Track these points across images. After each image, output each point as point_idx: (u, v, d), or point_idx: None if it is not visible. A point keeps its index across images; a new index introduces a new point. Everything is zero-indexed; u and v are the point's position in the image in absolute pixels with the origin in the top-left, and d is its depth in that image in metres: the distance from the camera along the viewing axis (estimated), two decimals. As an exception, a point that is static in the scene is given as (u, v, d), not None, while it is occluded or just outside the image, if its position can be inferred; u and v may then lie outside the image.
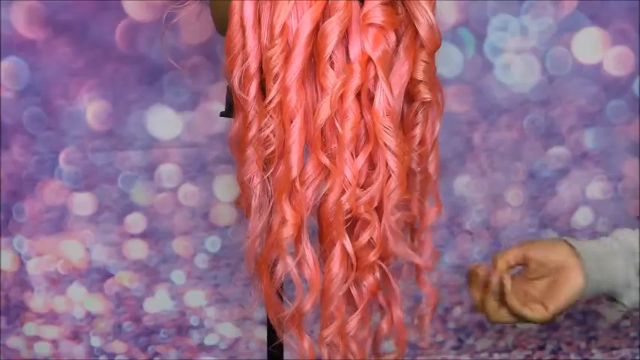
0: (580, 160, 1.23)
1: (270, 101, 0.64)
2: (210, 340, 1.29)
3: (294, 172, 0.65)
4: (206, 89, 1.14)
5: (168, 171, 1.18)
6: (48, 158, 1.15)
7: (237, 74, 0.66)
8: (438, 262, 1.25)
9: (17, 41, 1.08)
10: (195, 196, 1.20)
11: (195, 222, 1.21)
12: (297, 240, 0.68)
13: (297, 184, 0.65)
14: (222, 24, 0.70)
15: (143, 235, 1.21)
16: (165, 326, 1.27)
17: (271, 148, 0.66)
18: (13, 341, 1.26)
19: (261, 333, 1.28)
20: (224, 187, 1.20)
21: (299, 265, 0.68)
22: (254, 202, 0.69)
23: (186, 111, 1.15)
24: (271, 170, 0.67)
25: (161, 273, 1.24)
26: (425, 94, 0.68)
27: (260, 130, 0.66)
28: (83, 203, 1.18)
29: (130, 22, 1.08)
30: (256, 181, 0.68)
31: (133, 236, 1.21)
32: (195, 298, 1.26)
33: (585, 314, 1.32)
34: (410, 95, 0.69)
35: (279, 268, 0.69)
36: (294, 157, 0.64)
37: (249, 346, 1.30)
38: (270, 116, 0.64)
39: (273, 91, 0.63)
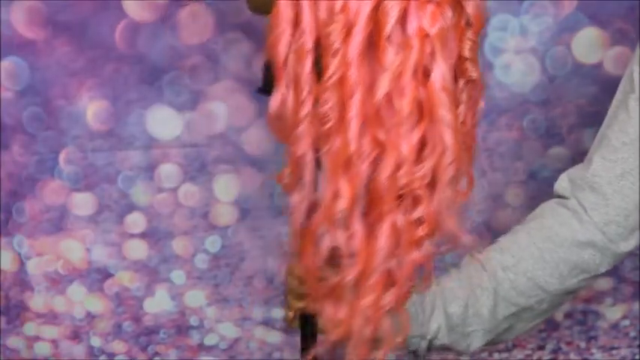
0: (580, 160, 1.22)
1: (330, 77, 0.64)
2: (210, 340, 1.29)
3: (353, 147, 0.65)
4: (206, 89, 1.14)
5: (168, 171, 1.18)
6: (48, 158, 1.15)
7: (284, 50, 0.66)
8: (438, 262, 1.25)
9: (17, 41, 1.08)
10: (195, 196, 1.20)
11: (195, 222, 1.21)
12: (350, 214, 0.68)
13: (354, 159, 0.66)
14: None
15: (143, 235, 1.21)
16: (165, 326, 1.27)
17: (330, 124, 0.66)
18: (13, 341, 1.26)
19: (261, 333, 1.28)
20: (224, 187, 1.20)
21: (348, 238, 0.69)
22: (306, 177, 0.69)
23: (186, 111, 1.15)
24: (327, 145, 0.67)
25: (161, 273, 1.24)
26: (472, 72, 0.69)
27: (315, 105, 0.66)
28: (83, 203, 1.18)
29: (129, 22, 1.08)
30: (309, 156, 0.68)
31: (133, 236, 1.21)
32: (195, 298, 1.26)
33: (585, 314, 1.32)
34: (455, 73, 0.70)
35: (326, 241, 0.69)
36: (353, 132, 0.65)
37: (249, 346, 1.30)
38: (330, 92, 0.65)
39: (333, 66, 0.64)
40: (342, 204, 0.67)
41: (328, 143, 0.67)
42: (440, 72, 0.65)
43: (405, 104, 0.65)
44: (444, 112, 0.66)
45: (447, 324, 0.88)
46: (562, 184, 0.91)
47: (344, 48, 0.63)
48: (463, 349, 0.90)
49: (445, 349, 0.92)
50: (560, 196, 0.91)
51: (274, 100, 0.69)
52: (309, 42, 0.65)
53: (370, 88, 0.65)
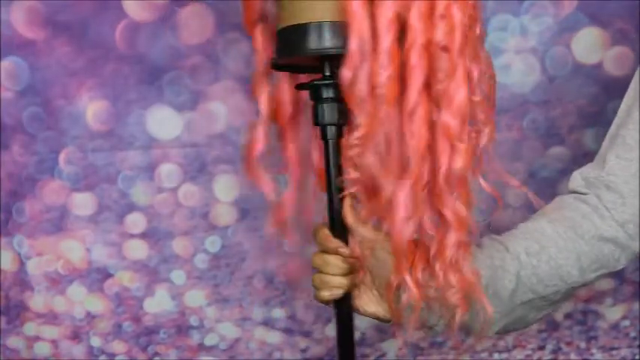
0: (580, 160, 1.22)
1: (441, 41, 0.72)
2: (210, 340, 1.29)
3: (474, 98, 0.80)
4: (206, 89, 1.14)
5: (168, 171, 1.18)
6: (48, 158, 1.15)
7: (365, 23, 0.71)
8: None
9: (17, 41, 1.08)
10: (195, 196, 1.20)
11: (195, 222, 1.21)
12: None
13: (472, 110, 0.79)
14: None
15: (143, 235, 1.21)
16: (165, 326, 1.27)
17: (445, 84, 0.74)
18: (13, 341, 1.26)
19: (261, 333, 1.28)
20: (224, 187, 1.20)
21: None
22: (391, 135, 0.75)
23: (186, 111, 1.15)
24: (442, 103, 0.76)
25: (161, 273, 1.24)
26: None
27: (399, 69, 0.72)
28: (83, 203, 1.18)
29: (129, 22, 1.09)
30: (393, 115, 0.74)
31: (133, 236, 1.21)
32: (195, 298, 1.26)
33: (585, 314, 1.32)
34: None
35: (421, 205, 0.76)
36: (463, 92, 0.76)
37: (249, 346, 1.30)
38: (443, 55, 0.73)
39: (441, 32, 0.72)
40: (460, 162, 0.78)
41: (444, 100, 0.74)
42: (477, 26, 0.76)
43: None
44: (482, 53, 0.78)
45: None
46: (576, 182, 0.90)
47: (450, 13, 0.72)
48: (477, 329, 0.89)
49: (460, 328, 0.90)
50: (575, 192, 0.90)
51: (346, 69, 0.71)
52: (389, 12, 0.70)
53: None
